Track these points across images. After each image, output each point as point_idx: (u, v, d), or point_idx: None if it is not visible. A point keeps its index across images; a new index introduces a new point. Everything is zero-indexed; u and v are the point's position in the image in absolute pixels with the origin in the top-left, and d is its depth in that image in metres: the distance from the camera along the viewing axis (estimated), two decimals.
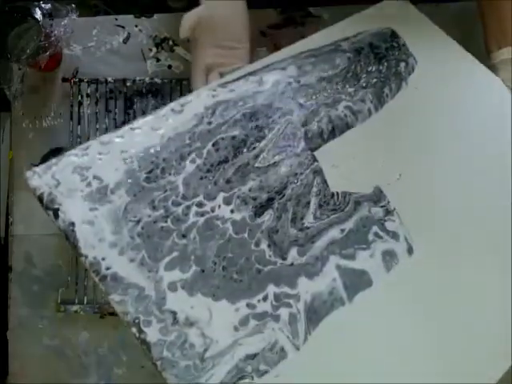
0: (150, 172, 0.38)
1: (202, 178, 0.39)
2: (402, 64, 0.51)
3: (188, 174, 0.39)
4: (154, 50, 0.64)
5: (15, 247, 0.62)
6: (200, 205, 0.38)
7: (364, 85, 0.49)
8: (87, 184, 0.36)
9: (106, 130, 0.62)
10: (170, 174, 0.39)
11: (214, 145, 0.41)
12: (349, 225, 0.42)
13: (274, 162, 0.42)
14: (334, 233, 0.41)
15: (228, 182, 0.40)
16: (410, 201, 0.44)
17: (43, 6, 0.57)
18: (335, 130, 0.46)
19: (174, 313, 0.35)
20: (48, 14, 0.57)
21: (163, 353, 0.34)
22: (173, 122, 0.41)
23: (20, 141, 0.63)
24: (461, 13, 0.64)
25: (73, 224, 0.35)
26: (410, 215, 0.43)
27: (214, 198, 0.39)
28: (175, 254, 0.36)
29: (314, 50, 0.49)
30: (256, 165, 0.41)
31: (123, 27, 0.65)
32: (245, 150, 0.42)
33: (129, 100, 0.63)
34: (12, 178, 0.63)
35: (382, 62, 0.51)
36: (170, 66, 0.64)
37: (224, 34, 0.49)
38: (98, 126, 0.62)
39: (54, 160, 0.37)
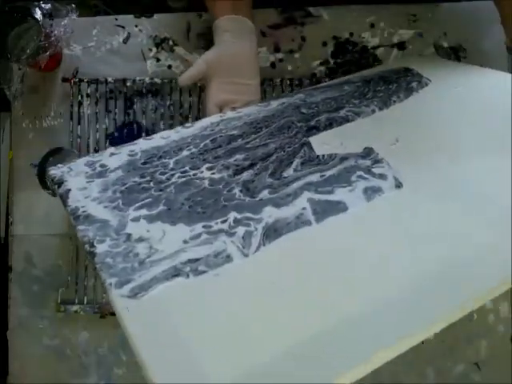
0: (149, 159, 0.44)
1: (192, 158, 0.44)
2: (415, 83, 0.51)
3: (181, 157, 0.44)
4: (154, 50, 0.64)
5: (15, 247, 0.62)
6: (184, 172, 0.42)
7: (370, 97, 0.49)
8: (93, 169, 0.43)
9: (106, 130, 0.62)
10: (165, 159, 0.44)
11: (212, 141, 0.45)
12: (330, 172, 0.41)
13: (264, 144, 0.44)
14: (313, 178, 0.40)
15: (216, 158, 0.44)
16: (407, 164, 0.41)
17: (43, 5, 0.57)
18: (333, 125, 0.46)
19: (128, 234, 0.37)
20: (48, 14, 0.57)
21: (105, 259, 0.35)
22: (180, 133, 0.47)
23: (20, 141, 0.63)
24: (461, 13, 0.64)
25: (69, 190, 0.41)
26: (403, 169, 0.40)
27: (198, 168, 0.42)
28: (148, 200, 0.40)
29: (323, 85, 0.53)
30: (247, 146, 0.44)
31: (123, 27, 0.65)
32: (239, 140, 0.45)
33: (129, 100, 0.63)
34: (12, 178, 0.63)
35: (392, 83, 0.51)
36: (169, 66, 0.64)
37: (237, 72, 0.52)
38: (97, 126, 0.62)
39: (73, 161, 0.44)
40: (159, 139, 0.46)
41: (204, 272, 0.34)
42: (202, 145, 0.45)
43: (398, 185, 0.39)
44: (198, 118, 0.61)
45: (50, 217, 0.62)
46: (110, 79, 0.62)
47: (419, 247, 0.35)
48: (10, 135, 0.65)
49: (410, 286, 0.32)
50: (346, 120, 0.46)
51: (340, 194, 0.39)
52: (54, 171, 0.43)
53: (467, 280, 0.32)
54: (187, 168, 0.42)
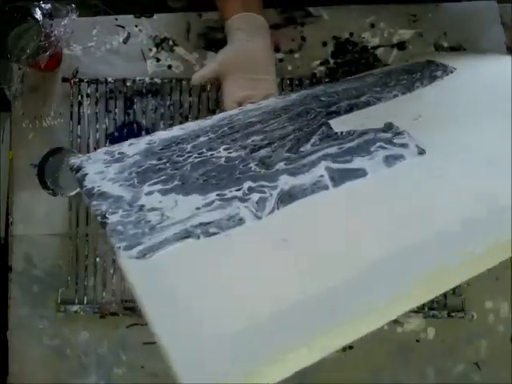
0: (167, 146, 0.43)
1: (210, 142, 0.43)
2: (439, 71, 0.49)
3: (198, 142, 0.43)
4: (154, 50, 0.64)
5: (15, 247, 0.62)
6: (201, 153, 0.42)
7: (392, 85, 0.48)
8: (111, 156, 0.43)
9: (106, 130, 0.62)
10: (183, 144, 0.43)
11: (230, 127, 0.45)
12: (349, 144, 0.39)
13: (283, 127, 0.43)
14: (331, 150, 0.39)
15: (233, 140, 0.43)
16: (431, 135, 0.39)
17: (43, 5, 0.57)
18: (353, 109, 0.45)
19: (141, 206, 0.37)
20: (48, 14, 0.57)
21: (116, 227, 0.35)
22: (199, 124, 0.46)
23: (20, 141, 0.63)
24: (461, 13, 0.64)
25: (86, 174, 0.41)
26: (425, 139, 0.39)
27: (215, 149, 0.42)
28: (163, 177, 0.39)
29: (344, 80, 0.52)
30: (265, 129, 0.43)
31: (123, 27, 0.65)
32: (258, 125, 0.44)
33: (129, 100, 0.63)
34: (12, 178, 0.63)
35: (416, 72, 0.50)
36: (170, 66, 0.64)
37: (253, 68, 0.52)
38: (97, 126, 0.62)
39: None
40: (178, 130, 0.46)
41: (215, 234, 0.33)
42: (220, 131, 0.44)
43: (421, 151, 0.38)
44: (197, 118, 0.61)
45: (50, 217, 0.62)
46: (110, 79, 0.62)
47: (443, 208, 0.34)
48: (10, 135, 0.65)
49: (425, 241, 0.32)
50: (367, 104, 0.45)
51: (359, 163, 0.38)
52: (74, 160, 0.44)
53: (491, 233, 0.32)
54: (204, 150, 0.42)
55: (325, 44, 0.63)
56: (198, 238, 0.33)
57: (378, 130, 0.41)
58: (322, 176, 0.37)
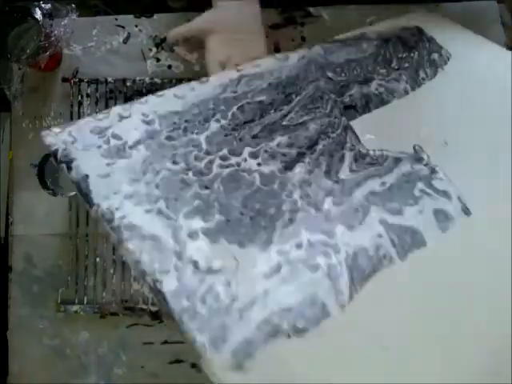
0: (172, 131, 0.36)
1: (226, 136, 0.37)
2: (436, 54, 0.47)
3: (211, 133, 0.37)
4: (154, 49, 0.64)
5: (15, 247, 0.62)
6: (224, 158, 0.36)
7: (396, 67, 0.45)
8: (105, 141, 0.35)
9: None
10: (192, 133, 0.37)
11: (238, 108, 0.39)
12: (390, 179, 0.37)
13: (303, 122, 0.39)
14: (374, 185, 0.36)
15: (254, 137, 0.37)
16: (458, 168, 0.38)
17: (43, 5, 0.57)
18: (370, 105, 0.42)
19: (194, 262, 0.31)
20: (48, 14, 0.57)
21: (182, 303, 0.29)
22: (197, 91, 0.40)
23: (20, 141, 0.63)
24: (461, 13, 0.64)
25: (87, 176, 0.33)
26: (459, 180, 0.38)
27: (239, 154, 0.36)
28: (197, 202, 0.33)
29: (338, 39, 0.48)
30: (284, 123, 0.39)
31: (123, 27, 0.65)
32: (272, 111, 0.40)
33: (129, 100, 0.63)
34: (12, 178, 0.63)
35: (413, 50, 0.47)
36: (170, 66, 0.64)
37: (239, 28, 0.49)
38: None
39: (71, 122, 0.36)
40: (173, 99, 0.39)
41: (305, 331, 0.30)
42: (229, 115, 0.39)
43: (465, 210, 0.37)
44: None
45: (50, 217, 0.62)
46: (109, 79, 0.62)
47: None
48: (10, 135, 0.65)
49: None
50: (381, 99, 0.43)
51: (411, 218, 0.36)
52: (52, 139, 0.34)
53: None
54: (226, 152, 0.36)
55: None
56: (289, 336, 0.30)
57: (410, 157, 0.39)
58: (380, 236, 0.34)
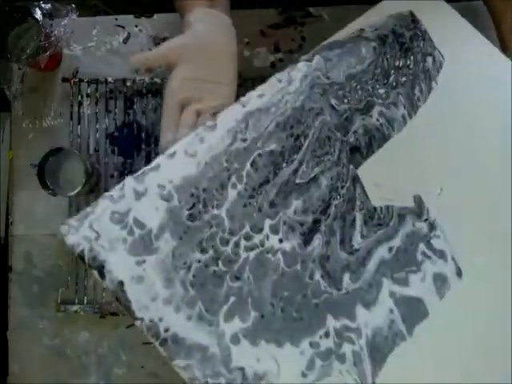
0: (192, 207, 0.36)
1: (245, 206, 0.38)
2: (430, 59, 0.47)
3: (231, 204, 0.37)
4: None
5: (15, 247, 0.62)
6: (248, 238, 0.37)
7: (394, 84, 0.46)
8: (129, 232, 0.34)
9: (106, 130, 0.62)
10: (212, 207, 0.36)
11: (252, 164, 0.39)
12: (396, 242, 0.41)
13: (315, 176, 0.41)
14: (383, 252, 0.41)
15: (272, 205, 0.39)
16: (453, 216, 0.43)
17: (43, 5, 0.57)
18: (373, 144, 0.44)
19: (241, 369, 0.33)
20: (48, 14, 0.57)
21: None
22: (207, 144, 0.38)
23: (20, 141, 0.63)
24: (461, 13, 0.64)
25: (121, 283, 0.33)
26: (453, 232, 0.42)
27: (261, 230, 0.37)
28: (232, 299, 0.35)
29: (337, 41, 0.46)
30: (297, 181, 0.40)
31: (123, 27, 0.65)
32: (284, 165, 0.40)
33: (129, 100, 0.63)
34: (12, 178, 0.63)
35: (408, 55, 0.47)
36: None
37: (209, 66, 0.42)
38: (97, 126, 0.62)
39: (88, 208, 0.34)
40: (185, 158, 0.37)
41: None
42: (244, 175, 0.38)
43: (458, 272, 0.41)
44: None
45: (49, 217, 0.62)
46: (109, 79, 0.62)
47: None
48: (10, 135, 0.65)
49: None
50: (383, 135, 0.44)
51: (415, 287, 0.40)
52: (74, 238, 0.32)
53: None
54: (248, 229, 0.37)
55: None
56: None
57: (412, 212, 0.42)
58: (392, 312, 0.39)
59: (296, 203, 0.39)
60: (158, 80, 0.62)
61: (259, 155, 0.39)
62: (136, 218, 0.34)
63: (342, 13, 0.64)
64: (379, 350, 0.38)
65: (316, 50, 0.45)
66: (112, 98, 0.63)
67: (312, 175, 0.41)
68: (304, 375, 0.35)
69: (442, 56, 0.48)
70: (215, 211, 0.36)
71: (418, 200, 0.43)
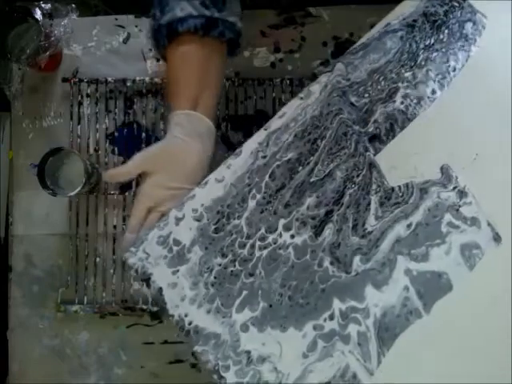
0: (217, 222, 0.41)
1: (262, 212, 0.41)
2: (469, 25, 0.44)
3: (250, 213, 0.41)
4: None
5: (15, 247, 0.62)
6: (262, 238, 0.40)
7: (423, 63, 0.43)
8: (169, 250, 0.40)
9: (106, 130, 0.62)
10: (234, 219, 0.41)
11: (270, 176, 0.42)
12: (416, 218, 0.39)
13: (329, 171, 0.41)
14: (400, 230, 0.39)
15: (286, 206, 0.41)
16: (490, 183, 0.39)
17: (43, 5, 0.57)
18: (394, 127, 0.42)
19: (247, 352, 0.37)
20: (48, 14, 0.57)
21: None
22: (233, 168, 0.42)
23: (20, 141, 0.63)
24: None
25: (161, 289, 0.39)
26: (490, 199, 0.38)
27: (275, 230, 0.40)
28: (244, 293, 0.39)
29: (361, 43, 0.46)
30: (311, 180, 0.41)
31: (123, 27, 0.65)
32: (300, 169, 0.42)
33: (129, 100, 0.63)
34: (12, 178, 0.63)
35: (442, 29, 0.45)
36: None
37: (179, 175, 0.45)
38: (97, 126, 0.62)
39: (144, 235, 0.41)
40: (215, 184, 0.42)
41: None
42: (263, 186, 0.41)
43: (496, 237, 0.38)
44: None
45: (49, 217, 0.62)
46: (109, 79, 0.62)
47: None
48: (9, 135, 0.65)
49: None
50: (406, 115, 0.42)
51: (437, 261, 0.38)
52: (133, 260, 0.40)
53: None
54: (263, 231, 0.40)
55: (325, 44, 0.63)
56: None
57: (437, 183, 0.40)
58: (406, 289, 0.37)
59: (309, 200, 0.41)
60: (157, 80, 0.62)
61: (277, 166, 0.42)
62: (175, 239, 0.41)
63: (342, 13, 0.64)
64: (389, 329, 0.37)
65: (339, 58, 0.45)
66: (112, 97, 0.63)
67: (327, 171, 0.41)
68: (305, 356, 0.37)
69: (484, 15, 0.45)
70: (236, 221, 0.41)
71: (446, 170, 0.40)
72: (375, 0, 0.64)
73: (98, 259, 0.61)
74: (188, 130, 0.46)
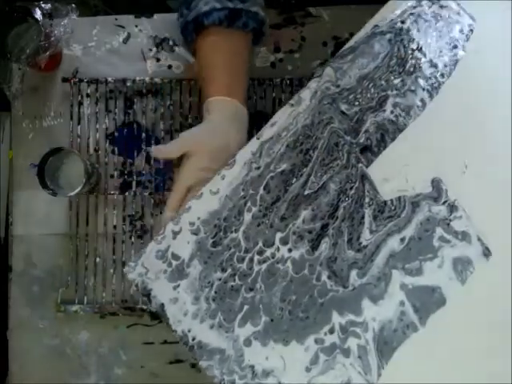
0: (215, 236, 0.41)
1: (259, 225, 0.41)
2: (456, 27, 0.44)
3: (246, 226, 0.41)
4: (154, 49, 0.64)
5: (15, 247, 0.62)
6: (260, 253, 0.41)
7: (412, 70, 0.43)
8: (168, 264, 0.41)
9: (106, 130, 0.62)
10: (231, 232, 0.41)
11: (264, 188, 0.42)
12: (409, 232, 0.40)
13: (323, 184, 0.41)
14: (394, 244, 0.40)
15: (282, 219, 0.41)
16: (480, 194, 0.40)
17: (43, 5, 0.57)
18: (385, 138, 0.42)
19: (252, 367, 0.38)
20: (48, 14, 0.57)
21: None
22: (227, 179, 0.43)
23: (20, 141, 0.63)
24: None
25: (162, 305, 0.40)
26: (480, 211, 0.39)
27: (272, 243, 0.41)
28: (246, 308, 0.40)
29: (349, 47, 0.45)
30: (305, 192, 0.42)
31: (123, 27, 0.65)
32: (294, 181, 0.42)
33: (129, 100, 0.63)
34: (12, 178, 0.63)
35: (430, 31, 0.44)
36: (170, 66, 0.64)
37: (218, 158, 0.46)
38: (97, 126, 0.62)
39: (142, 250, 0.41)
40: (210, 197, 0.42)
41: None
42: (258, 199, 0.42)
43: (486, 252, 0.39)
44: (197, 118, 0.61)
45: (49, 217, 0.62)
46: (109, 79, 0.62)
47: None
48: (9, 135, 0.65)
49: None
50: (396, 125, 0.42)
51: (430, 275, 0.39)
52: (132, 275, 0.41)
53: None
54: (261, 245, 0.41)
55: (325, 44, 0.63)
56: None
57: (428, 196, 0.40)
58: (402, 304, 0.38)
59: (305, 213, 0.41)
60: (157, 80, 0.62)
61: (271, 178, 0.42)
62: (173, 253, 0.41)
63: (342, 13, 0.64)
64: (387, 342, 0.38)
65: (328, 62, 0.45)
66: (112, 98, 0.63)
67: (320, 183, 0.42)
68: (308, 369, 0.38)
69: (472, 18, 0.45)
70: (233, 235, 0.41)
71: (437, 183, 0.41)
72: (375, 0, 0.64)
73: (97, 259, 0.61)
74: (228, 115, 0.48)
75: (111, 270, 0.60)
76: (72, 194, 0.55)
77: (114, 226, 0.61)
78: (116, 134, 0.63)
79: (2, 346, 0.61)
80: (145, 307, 0.59)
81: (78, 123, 0.62)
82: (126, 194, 0.61)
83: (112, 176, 0.62)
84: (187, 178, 0.46)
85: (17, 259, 0.62)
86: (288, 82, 0.61)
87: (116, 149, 0.62)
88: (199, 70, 0.51)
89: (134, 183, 0.61)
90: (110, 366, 0.60)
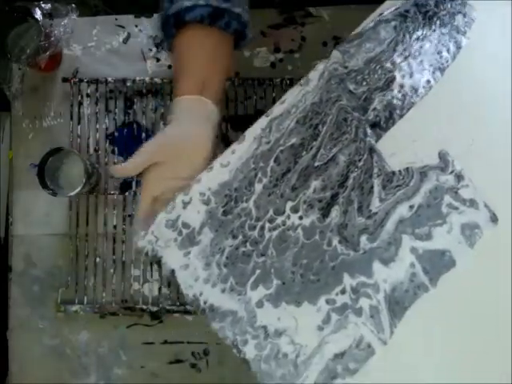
0: (226, 205, 0.42)
1: (269, 195, 0.42)
2: (459, 16, 0.46)
3: (257, 196, 0.42)
4: (154, 49, 0.64)
5: (15, 247, 0.62)
6: (271, 220, 0.42)
7: (417, 54, 0.45)
8: (178, 233, 0.41)
9: (106, 130, 0.62)
10: (242, 202, 0.42)
11: (275, 160, 0.43)
12: (417, 199, 0.41)
13: (333, 156, 0.43)
14: (403, 210, 0.41)
15: (293, 189, 0.42)
16: (487, 168, 0.41)
17: (43, 5, 0.57)
18: (393, 115, 0.43)
19: (264, 327, 0.39)
20: (48, 14, 0.57)
21: (261, 366, 0.38)
22: (237, 153, 0.43)
23: (20, 141, 0.63)
24: None
25: (173, 271, 0.41)
26: (487, 183, 0.41)
27: (283, 212, 0.42)
28: (257, 272, 0.40)
29: (356, 33, 0.46)
30: (316, 164, 0.43)
31: (123, 27, 0.65)
32: (303, 153, 0.43)
33: (129, 100, 0.63)
34: (12, 178, 0.63)
35: (433, 20, 0.46)
36: (170, 66, 0.64)
37: (183, 165, 0.44)
38: (97, 126, 0.62)
39: (151, 219, 0.42)
40: (221, 169, 0.43)
41: (356, 371, 0.38)
42: (269, 170, 0.42)
43: (493, 218, 0.40)
44: None
45: (50, 217, 0.62)
46: (109, 79, 0.62)
47: None
48: (10, 135, 0.65)
49: None
50: (403, 104, 0.43)
51: (440, 239, 0.40)
52: (142, 243, 0.41)
53: None
54: (272, 213, 0.42)
55: (325, 44, 0.63)
56: (344, 378, 0.37)
57: (436, 168, 0.42)
58: (413, 266, 0.40)
59: (315, 183, 0.42)
60: (157, 80, 0.62)
61: (281, 151, 0.43)
62: (184, 222, 0.42)
63: (342, 13, 0.64)
64: (399, 302, 0.39)
65: (336, 46, 0.46)
66: (112, 98, 0.63)
67: (330, 155, 0.43)
68: (320, 328, 0.39)
69: (473, 8, 0.46)
70: (244, 204, 0.42)
71: (443, 155, 0.42)
72: (375, 0, 0.64)
73: (97, 259, 0.61)
74: (194, 115, 0.46)
75: (111, 270, 0.60)
76: (72, 193, 0.55)
77: (114, 226, 0.61)
78: (116, 134, 0.63)
79: (2, 346, 0.61)
80: (145, 307, 0.59)
81: (78, 123, 0.62)
82: (126, 194, 0.61)
83: (112, 176, 0.62)
84: (153, 189, 0.44)
85: (17, 259, 0.62)
86: (288, 81, 0.61)
87: (116, 149, 0.62)
88: (174, 68, 0.49)
89: (133, 183, 0.61)
90: (109, 366, 0.60)
